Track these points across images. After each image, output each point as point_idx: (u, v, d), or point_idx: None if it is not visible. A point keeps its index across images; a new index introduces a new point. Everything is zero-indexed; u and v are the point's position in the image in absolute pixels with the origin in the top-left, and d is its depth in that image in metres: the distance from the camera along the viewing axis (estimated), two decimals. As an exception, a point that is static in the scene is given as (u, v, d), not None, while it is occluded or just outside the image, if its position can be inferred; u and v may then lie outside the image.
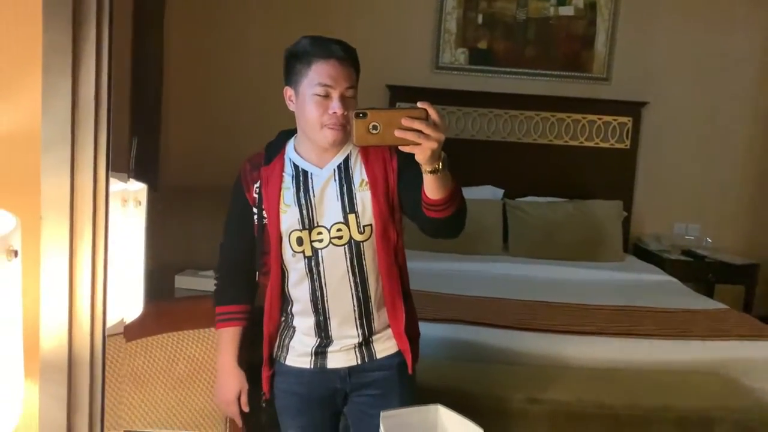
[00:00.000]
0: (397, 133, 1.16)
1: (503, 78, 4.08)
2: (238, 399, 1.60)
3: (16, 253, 0.56)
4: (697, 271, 3.82)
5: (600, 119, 4.09)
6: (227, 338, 1.60)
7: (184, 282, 2.58)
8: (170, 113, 3.95)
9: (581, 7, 4.02)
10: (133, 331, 1.55)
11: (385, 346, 1.58)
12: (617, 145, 4.11)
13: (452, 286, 3.03)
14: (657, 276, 3.52)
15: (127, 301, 0.89)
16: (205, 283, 2.53)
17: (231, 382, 1.60)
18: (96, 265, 0.72)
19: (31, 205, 0.69)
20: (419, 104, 1.18)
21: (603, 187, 4.01)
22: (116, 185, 0.97)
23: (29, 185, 0.70)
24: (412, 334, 1.59)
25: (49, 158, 0.68)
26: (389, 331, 1.58)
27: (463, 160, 3.29)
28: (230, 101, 3.98)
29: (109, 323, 0.92)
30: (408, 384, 1.60)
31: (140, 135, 3.53)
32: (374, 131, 1.16)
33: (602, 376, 2.39)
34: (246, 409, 1.61)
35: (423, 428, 0.97)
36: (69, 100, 0.67)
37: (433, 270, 3.23)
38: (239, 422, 1.63)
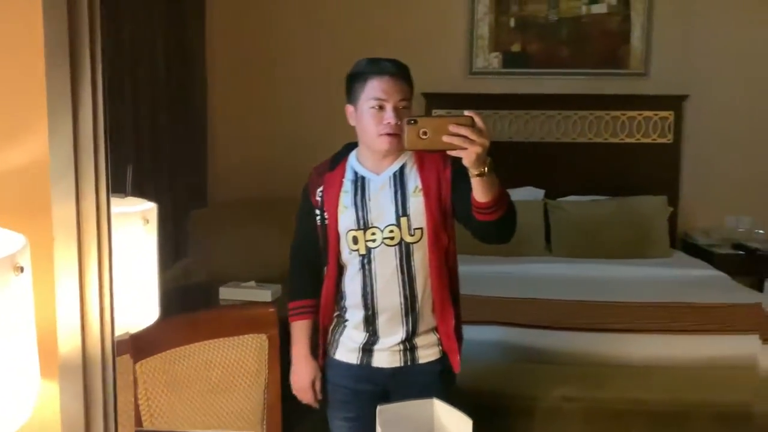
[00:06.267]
0: (445, 139, 1.29)
1: (539, 79, 4.08)
2: (313, 386, 1.76)
3: (22, 269, 0.66)
4: (748, 264, 3.71)
5: (640, 115, 4.03)
6: (299, 330, 1.78)
7: (227, 293, 2.71)
8: (216, 130, 4.14)
9: (614, 4, 3.98)
10: (173, 339, 1.68)
11: (427, 352, 1.71)
12: (660, 140, 4.04)
13: (495, 289, 3.04)
14: (704, 271, 3.44)
15: (143, 309, 1.00)
16: (247, 293, 2.67)
17: (304, 370, 1.77)
18: (102, 278, 0.83)
19: (45, 227, 0.81)
20: (466, 113, 1.30)
21: (647, 183, 3.94)
22: (137, 206, 1.08)
23: (44, 210, 0.81)
24: (459, 336, 1.72)
25: (57, 188, 0.79)
26: (433, 337, 1.70)
27: (501, 162, 3.27)
28: (274, 117, 4.14)
29: (126, 329, 1.03)
30: (449, 391, 1.68)
31: (187, 154, 3.72)
32: (424, 137, 1.29)
33: (639, 372, 2.39)
34: (319, 396, 1.78)
35: (419, 422, 1.03)
36: (71, 137, 0.78)
37: (475, 273, 3.23)
38: (315, 406, 1.79)
